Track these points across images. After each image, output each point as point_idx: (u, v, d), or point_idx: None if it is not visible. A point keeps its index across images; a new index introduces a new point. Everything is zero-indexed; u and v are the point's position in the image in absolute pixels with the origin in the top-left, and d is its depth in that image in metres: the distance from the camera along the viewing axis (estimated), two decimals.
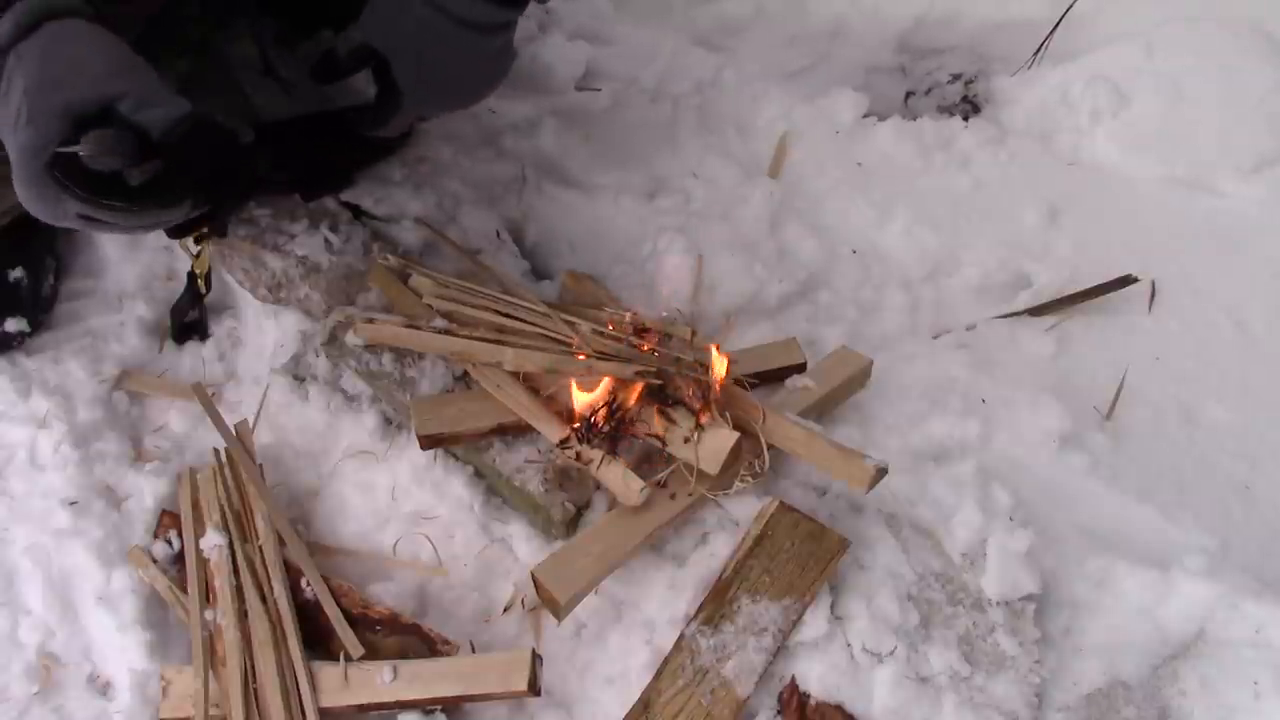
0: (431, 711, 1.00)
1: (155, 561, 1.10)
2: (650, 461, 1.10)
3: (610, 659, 1.05)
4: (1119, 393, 1.35)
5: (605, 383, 1.07)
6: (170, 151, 0.84)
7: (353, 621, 1.04)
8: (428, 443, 1.11)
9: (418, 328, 1.17)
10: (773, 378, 1.21)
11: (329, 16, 1.23)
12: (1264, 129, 1.65)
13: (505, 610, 1.10)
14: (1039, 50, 1.78)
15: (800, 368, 1.23)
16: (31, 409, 1.19)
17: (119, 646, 1.06)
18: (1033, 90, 1.73)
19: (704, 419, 1.05)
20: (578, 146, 1.56)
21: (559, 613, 0.99)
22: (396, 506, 1.16)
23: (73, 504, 1.12)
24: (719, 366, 1.09)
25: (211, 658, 1.02)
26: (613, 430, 1.07)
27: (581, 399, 1.07)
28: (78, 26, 0.84)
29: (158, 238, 1.34)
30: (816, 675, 1.00)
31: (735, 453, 1.04)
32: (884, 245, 1.52)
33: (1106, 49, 1.73)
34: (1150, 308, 1.49)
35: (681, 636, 1.01)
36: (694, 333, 1.14)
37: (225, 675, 1.01)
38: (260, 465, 1.15)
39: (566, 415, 1.11)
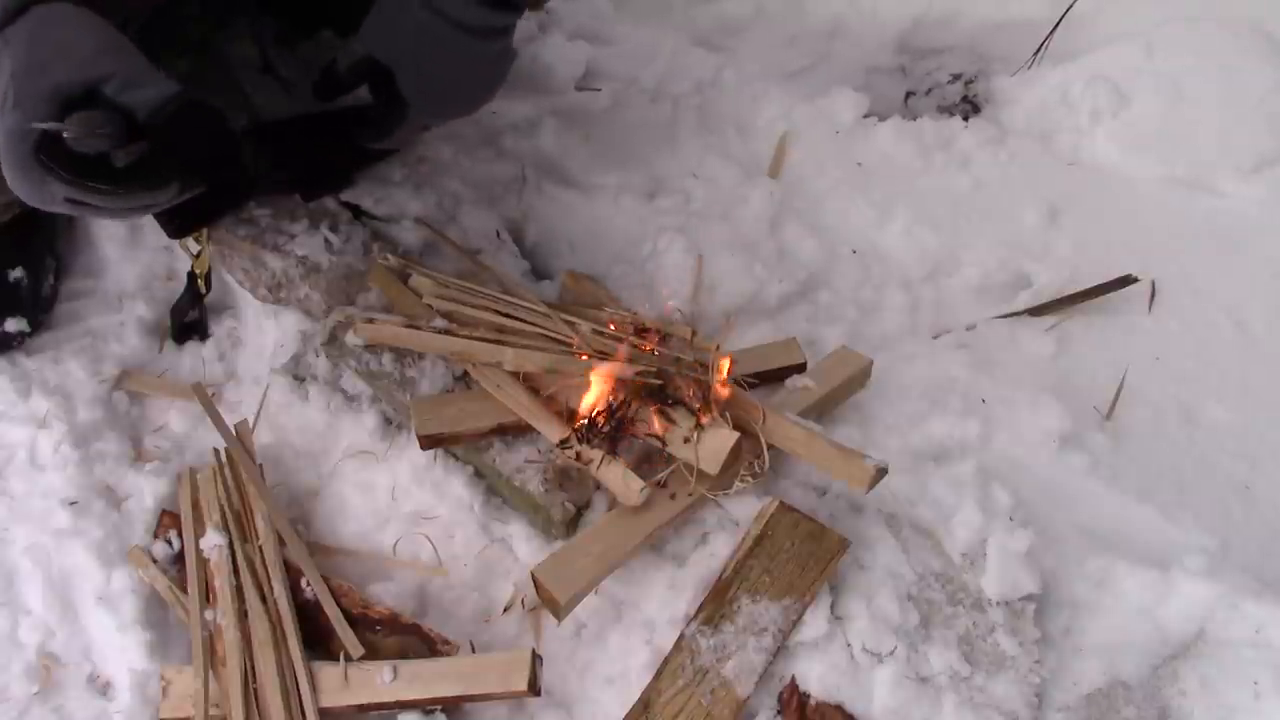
0: (431, 711, 1.00)
1: (155, 561, 1.10)
2: (650, 461, 1.10)
3: (610, 659, 1.05)
4: (1119, 393, 1.35)
5: (609, 369, 1.07)
6: (156, 133, 0.84)
7: (353, 621, 1.04)
8: (428, 443, 1.11)
9: (418, 328, 1.17)
10: (773, 378, 1.21)
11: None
12: (1264, 129, 1.65)
13: (505, 610, 1.10)
14: (1039, 50, 1.78)
15: (800, 368, 1.23)
16: (31, 409, 1.19)
17: (119, 646, 1.06)
18: (1033, 90, 1.73)
19: (704, 419, 1.05)
20: (578, 146, 1.56)
21: (559, 613, 0.99)
22: (396, 506, 1.16)
23: (73, 504, 1.12)
24: (720, 366, 1.09)
25: (211, 658, 1.02)
26: (613, 430, 1.07)
27: (590, 394, 1.07)
28: (64, 10, 0.84)
29: (158, 237, 1.34)
30: (816, 675, 1.00)
31: (735, 453, 1.04)
32: (884, 245, 1.52)
33: (1106, 49, 1.73)
34: (1150, 308, 1.49)
35: (681, 636, 1.01)
36: (694, 333, 1.14)
37: (225, 675, 1.01)
38: (260, 465, 1.15)
39: (566, 415, 1.11)
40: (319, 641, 1.05)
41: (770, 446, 1.09)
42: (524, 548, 1.12)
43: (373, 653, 1.03)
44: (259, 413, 1.21)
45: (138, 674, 1.04)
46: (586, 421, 1.08)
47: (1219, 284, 1.52)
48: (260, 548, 1.08)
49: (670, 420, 1.06)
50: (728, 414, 1.07)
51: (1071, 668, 1.07)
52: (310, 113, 1.20)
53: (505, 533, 1.13)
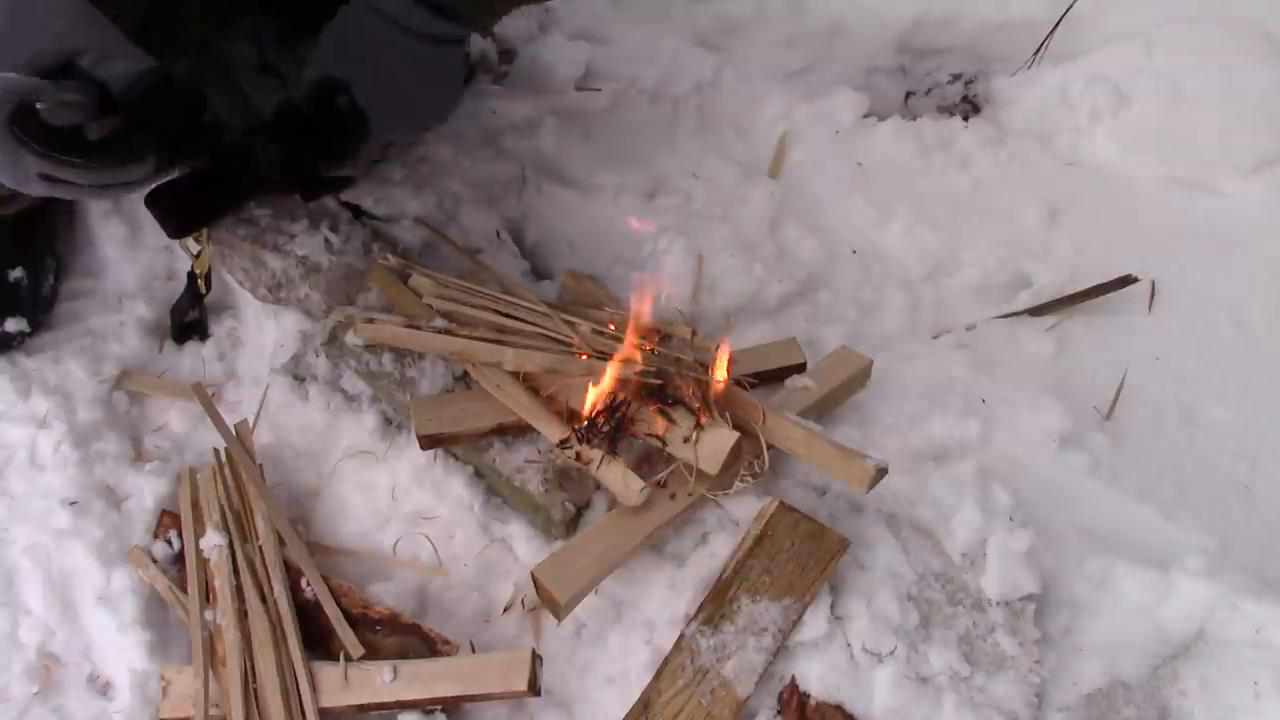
0: (431, 711, 1.00)
1: (155, 561, 1.10)
2: (650, 461, 1.10)
3: (610, 659, 1.05)
4: (1119, 393, 1.35)
5: (613, 369, 1.07)
6: (130, 107, 0.83)
7: (353, 621, 1.04)
8: (428, 443, 1.11)
9: (418, 328, 1.17)
10: (773, 378, 1.21)
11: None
12: (1264, 129, 1.65)
13: (505, 610, 1.10)
14: (1039, 50, 1.78)
15: (800, 368, 1.23)
16: (31, 409, 1.19)
17: (119, 646, 1.06)
18: (1033, 90, 1.73)
19: (704, 419, 1.05)
20: (578, 146, 1.56)
21: (559, 613, 0.99)
22: (396, 506, 1.16)
23: (73, 504, 1.12)
24: (721, 366, 1.09)
25: (211, 658, 1.02)
26: (613, 430, 1.07)
27: (600, 387, 1.07)
28: None
29: (158, 237, 1.34)
30: (816, 675, 1.00)
31: (735, 453, 1.04)
32: (884, 245, 1.52)
33: (1106, 49, 1.73)
34: (1150, 308, 1.49)
35: (681, 636, 1.01)
36: (694, 333, 1.14)
37: (225, 675, 1.01)
38: (260, 465, 1.15)
39: (566, 415, 1.11)
40: (319, 641, 1.05)
41: (770, 446, 1.09)
42: (524, 548, 1.12)
43: (373, 653, 1.02)
44: (259, 413, 1.21)
45: (138, 674, 1.04)
46: (586, 421, 1.08)
47: (1219, 284, 1.52)
48: (260, 548, 1.08)
49: (670, 420, 1.06)
50: (728, 414, 1.07)
51: (1071, 668, 1.07)
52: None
53: (505, 533, 1.13)
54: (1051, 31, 1.77)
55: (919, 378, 1.32)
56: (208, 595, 1.06)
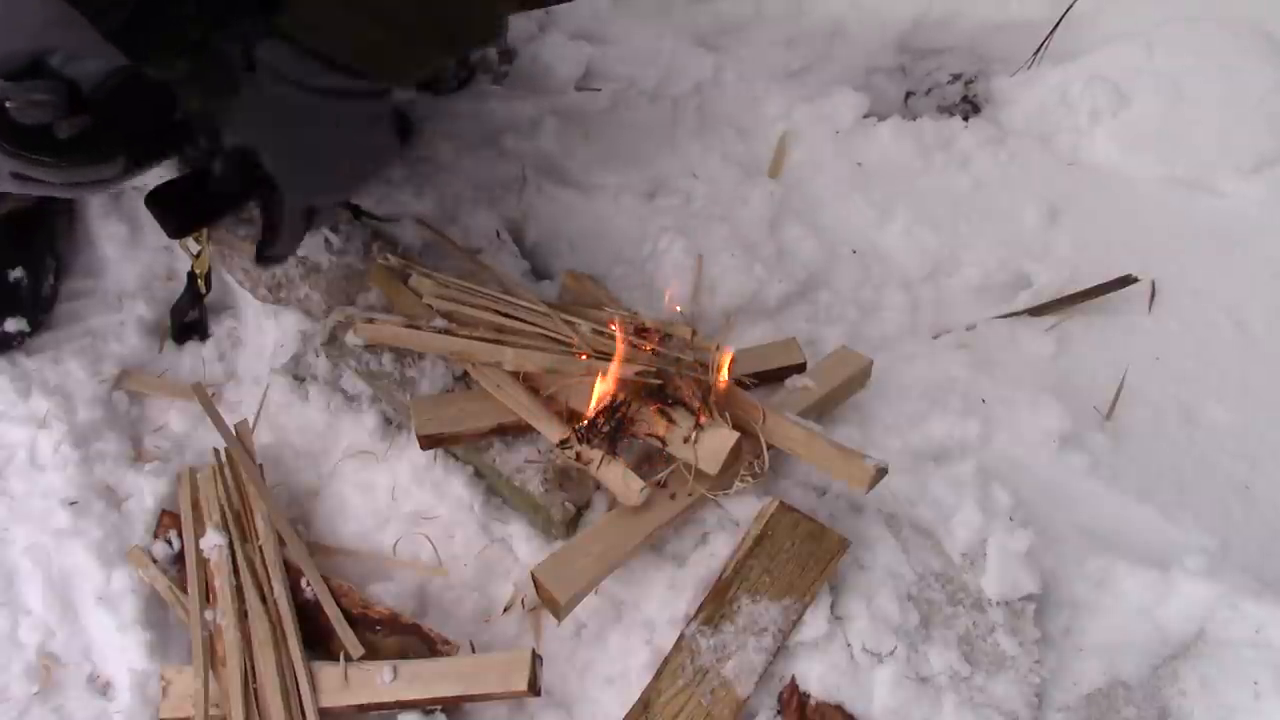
0: (431, 711, 1.00)
1: (155, 561, 1.10)
2: (650, 461, 1.10)
3: (610, 659, 1.05)
4: (1119, 393, 1.35)
5: (613, 368, 1.07)
6: (100, 105, 0.83)
7: (353, 621, 1.04)
8: (428, 443, 1.11)
9: (418, 328, 1.17)
10: (773, 378, 1.21)
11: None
12: (1264, 129, 1.65)
13: (505, 610, 1.10)
14: (1039, 50, 1.78)
15: (800, 368, 1.23)
16: (31, 409, 1.19)
17: (119, 646, 1.06)
18: (1032, 90, 1.73)
19: (704, 419, 1.05)
20: (578, 146, 1.56)
21: (559, 613, 0.99)
22: (396, 506, 1.16)
23: (73, 504, 1.12)
24: (722, 367, 1.09)
25: (211, 658, 1.02)
26: (613, 430, 1.07)
27: (599, 387, 1.07)
28: None
29: (158, 237, 1.34)
30: (816, 675, 1.00)
31: (735, 453, 1.04)
32: (884, 245, 1.52)
33: (1106, 49, 1.73)
34: (1150, 308, 1.49)
35: (681, 636, 1.01)
36: (694, 333, 1.14)
37: (225, 675, 1.01)
38: (260, 465, 1.15)
39: (566, 415, 1.11)
40: (319, 641, 1.05)
41: (770, 446, 1.09)
42: (524, 548, 1.12)
43: (373, 653, 1.02)
44: (259, 413, 1.21)
45: (138, 674, 1.04)
46: (587, 421, 1.08)
47: (1219, 284, 1.52)
48: (260, 548, 1.08)
49: (670, 420, 1.06)
50: (727, 414, 1.07)
51: (1071, 668, 1.07)
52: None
53: (505, 533, 1.13)
54: (1051, 31, 1.77)
55: (919, 378, 1.32)
56: (208, 595, 1.06)
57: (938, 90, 1.84)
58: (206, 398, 1.17)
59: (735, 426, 1.05)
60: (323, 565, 1.09)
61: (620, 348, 1.07)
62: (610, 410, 1.07)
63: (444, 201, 1.38)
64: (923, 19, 1.84)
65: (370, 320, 1.20)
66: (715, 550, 1.07)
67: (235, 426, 1.16)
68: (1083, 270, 1.48)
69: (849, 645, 1.02)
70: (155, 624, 1.07)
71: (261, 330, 1.30)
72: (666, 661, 1.00)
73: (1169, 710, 1.05)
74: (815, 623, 1.01)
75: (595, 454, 1.06)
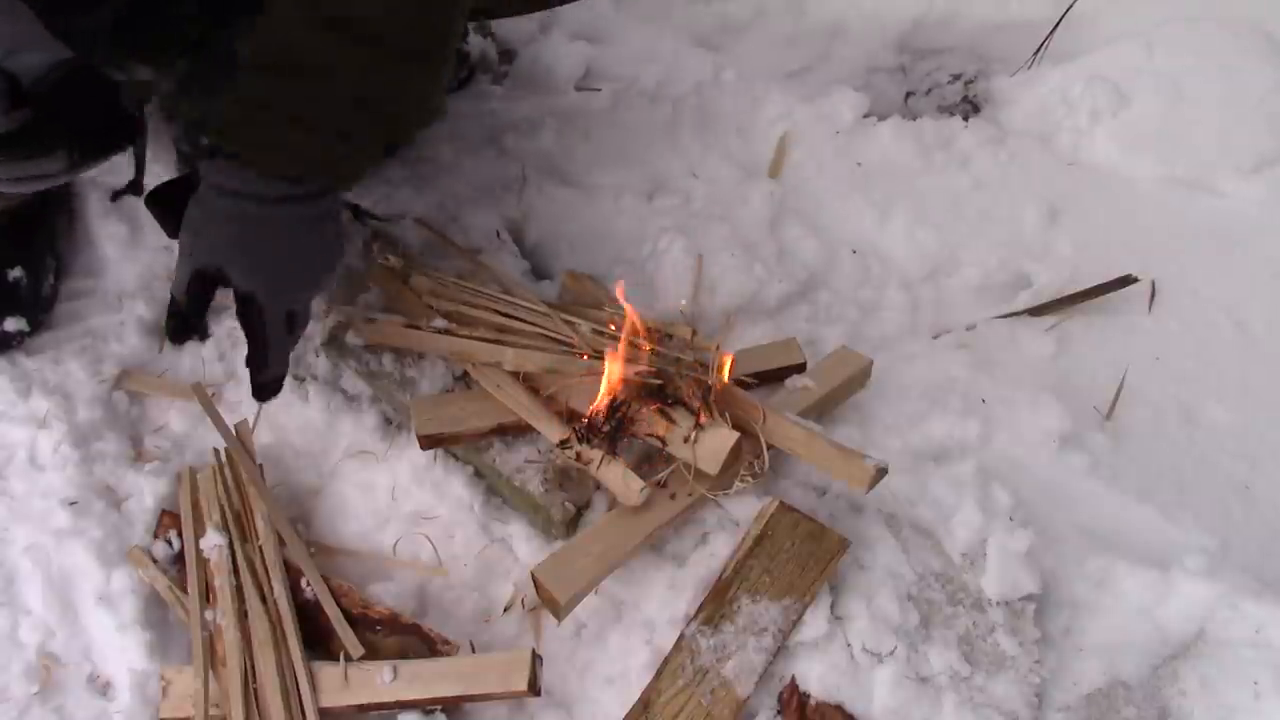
0: (431, 711, 1.00)
1: (155, 561, 1.10)
2: (650, 461, 1.10)
3: (610, 659, 1.05)
4: (1119, 393, 1.35)
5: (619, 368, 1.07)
6: (41, 100, 0.82)
7: (353, 621, 1.04)
8: (428, 443, 1.11)
9: (418, 328, 1.17)
10: (773, 378, 1.21)
11: None
12: (1264, 129, 1.65)
13: (505, 610, 1.10)
14: (1039, 50, 1.78)
15: (800, 368, 1.23)
16: (31, 409, 1.19)
17: (119, 646, 1.05)
18: (1033, 90, 1.73)
19: (704, 419, 1.05)
20: (578, 146, 1.56)
21: (559, 613, 0.99)
22: (396, 506, 1.16)
23: (73, 504, 1.12)
24: (722, 367, 1.09)
25: (211, 658, 1.02)
26: (613, 430, 1.07)
27: (605, 385, 1.07)
28: None
29: (158, 237, 1.34)
30: (816, 675, 1.00)
31: (735, 453, 1.04)
32: (884, 245, 1.52)
33: (1106, 49, 1.73)
34: (1150, 308, 1.49)
35: (681, 636, 1.01)
36: (694, 333, 1.14)
37: (225, 675, 1.00)
38: (260, 465, 1.15)
39: (566, 415, 1.11)
40: (319, 641, 1.05)
41: (770, 446, 1.09)
42: (524, 548, 1.12)
43: (373, 653, 1.02)
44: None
45: (138, 674, 1.04)
46: (586, 421, 1.08)
47: (1219, 284, 1.52)
48: (260, 548, 1.08)
49: (670, 420, 1.06)
50: (727, 414, 1.07)
51: (1071, 668, 1.07)
52: None
53: (505, 533, 1.13)
54: (1051, 31, 1.77)
55: (919, 378, 1.32)
56: (208, 595, 1.06)
57: (938, 90, 1.84)
58: (206, 398, 1.17)
59: (735, 426, 1.05)
60: (323, 565, 1.09)
61: (623, 344, 1.07)
62: (610, 410, 1.07)
63: (444, 201, 1.38)
64: (923, 19, 1.84)
65: (370, 320, 1.20)
66: (715, 550, 1.07)
67: (235, 426, 1.16)
68: (1083, 270, 1.48)
69: (849, 645, 1.02)
70: (155, 624, 1.07)
71: None
72: (666, 661, 1.00)
73: (1169, 710, 1.05)
74: (815, 623, 1.01)
75: (595, 454, 1.06)
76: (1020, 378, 1.35)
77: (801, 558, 1.03)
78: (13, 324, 1.23)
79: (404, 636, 1.04)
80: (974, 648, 1.05)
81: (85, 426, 1.19)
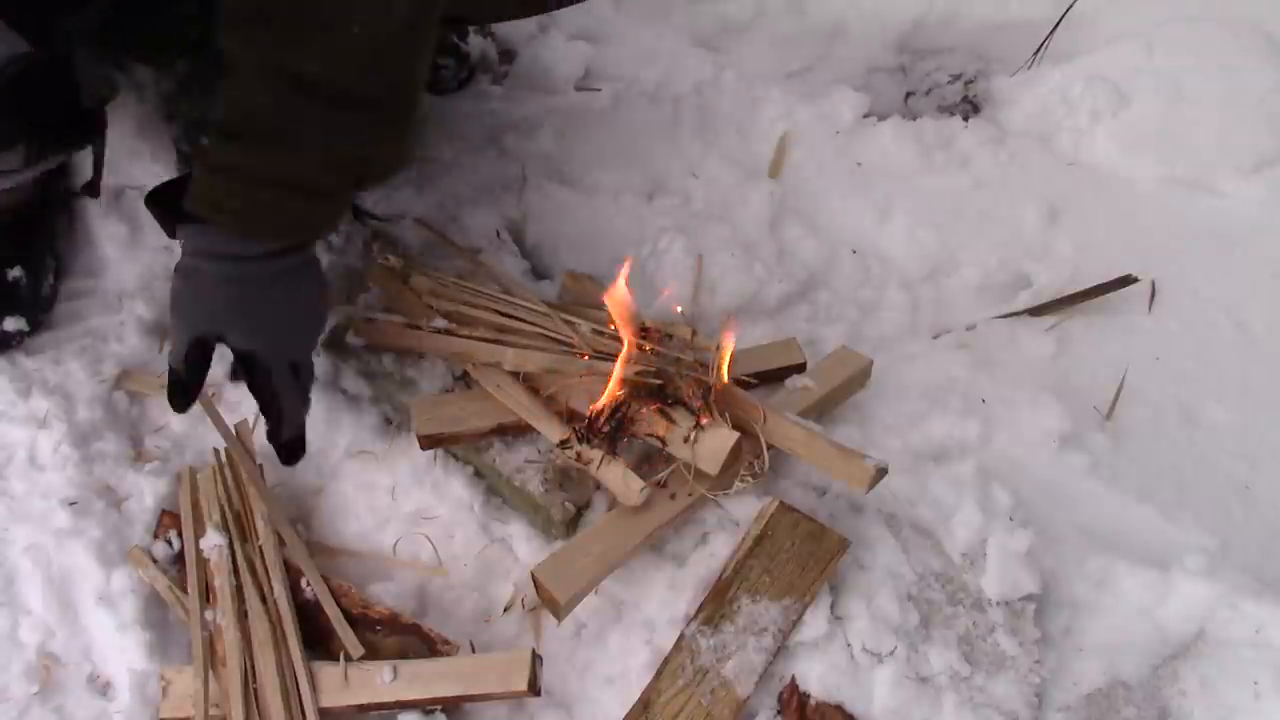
0: (431, 711, 1.00)
1: (155, 561, 1.10)
2: (650, 461, 1.10)
3: (610, 659, 1.05)
4: (1119, 393, 1.36)
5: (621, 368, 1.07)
6: None
7: (353, 621, 1.04)
8: (428, 443, 1.11)
9: (418, 328, 1.17)
10: (773, 378, 1.21)
11: None
12: (1264, 129, 1.65)
13: (505, 610, 1.10)
14: (1039, 50, 1.78)
15: (800, 368, 1.23)
16: (31, 409, 1.19)
17: (119, 646, 1.05)
18: (1033, 90, 1.73)
19: (704, 419, 1.05)
20: (578, 146, 1.56)
21: (559, 613, 0.99)
22: (396, 506, 1.16)
23: (73, 504, 1.12)
24: (723, 362, 1.09)
25: (211, 658, 1.02)
26: (613, 430, 1.07)
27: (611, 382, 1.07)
28: None
29: (158, 237, 1.34)
30: (816, 675, 1.00)
31: (735, 453, 1.04)
32: (884, 245, 1.52)
33: (1106, 49, 1.73)
34: (1150, 308, 1.49)
35: (681, 636, 1.01)
36: (694, 333, 1.14)
37: (225, 675, 1.00)
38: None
39: (566, 415, 1.11)
40: (319, 641, 1.05)
41: (770, 446, 1.09)
42: (524, 548, 1.12)
43: (373, 653, 1.02)
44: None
45: (138, 674, 1.04)
46: (587, 421, 1.08)
47: (1219, 284, 1.52)
48: (260, 548, 1.08)
49: (670, 420, 1.06)
50: (727, 414, 1.07)
51: (1071, 668, 1.07)
52: None
53: (505, 533, 1.14)
54: (1051, 31, 1.77)
55: (919, 378, 1.32)
56: (208, 595, 1.06)
57: (938, 90, 1.84)
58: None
59: (735, 426, 1.05)
60: (323, 565, 1.09)
61: (627, 344, 1.07)
62: (610, 410, 1.07)
63: (444, 201, 1.38)
64: (923, 19, 1.84)
65: (370, 320, 1.20)
66: (715, 550, 1.07)
67: (235, 426, 1.16)
68: (1083, 270, 1.48)
69: (849, 645, 1.02)
70: (155, 624, 1.07)
71: None
72: (666, 661, 1.00)
73: (1169, 710, 1.05)
74: (815, 623, 1.01)
75: (595, 454, 1.06)
76: (1020, 378, 1.35)
77: (801, 558, 1.03)
78: (13, 324, 1.23)
79: (404, 636, 1.04)
80: (974, 648, 1.05)
81: (85, 426, 1.19)
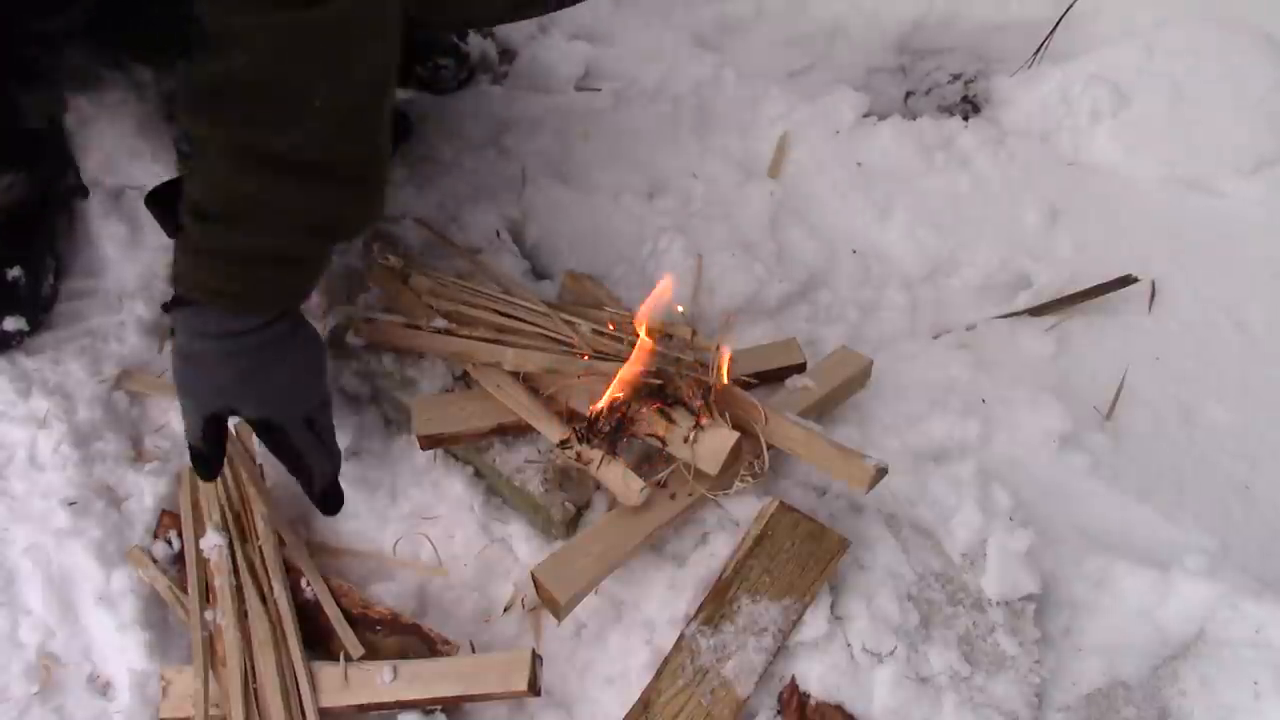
0: (431, 711, 1.00)
1: (155, 561, 1.10)
2: (650, 461, 1.10)
3: (610, 659, 1.05)
4: (1119, 393, 1.36)
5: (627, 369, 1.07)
6: None
7: (353, 621, 1.04)
8: (428, 443, 1.11)
9: (418, 328, 1.17)
10: (773, 378, 1.21)
11: None
12: (1264, 129, 1.65)
13: (505, 610, 1.10)
14: (1039, 50, 1.78)
15: (800, 368, 1.23)
16: (31, 409, 1.19)
17: (119, 646, 1.05)
18: (1033, 90, 1.73)
19: (704, 419, 1.05)
20: (578, 146, 1.56)
21: (559, 613, 0.99)
22: (396, 506, 1.16)
23: (73, 504, 1.12)
24: (722, 366, 1.09)
25: (211, 658, 1.02)
26: (613, 430, 1.07)
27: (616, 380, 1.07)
28: None
29: (158, 237, 1.34)
30: (816, 675, 1.00)
31: (735, 453, 1.04)
32: (884, 245, 1.52)
33: (1106, 49, 1.73)
34: (1150, 308, 1.49)
35: (681, 636, 1.01)
36: (694, 333, 1.14)
37: (225, 675, 1.01)
38: (260, 465, 1.15)
39: (566, 415, 1.11)
40: (319, 641, 1.05)
41: (770, 446, 1.09)
42: (524, 548, 1.12)
43: (373, 653, 1.03)
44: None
45: (138, 674, 1.04)
46: (586, 421, 1.08)
47: (1219, 284, 1.52)
48: (260, 548, 1.08)
49: (670, 420, 1.06)
50: (727, 414, 1.07)
51: (1071, 668, 1.07)
52: None
53: (505, 533, 1.14)
54: (1051, 31, 1.77)
55: (919, 378, 1.32)
56: (208, 595, 1.06)
57: (938, 90, 1.84)
58: None
59: (735, 426, 1.05)
60: (323, 565, 1.09)
61: (639, 346, 1.07)
62: (610, 410, 1.07)
63: (444, 201, 1.38)
64: (923, 19, 1.84)
65: (370, 320, 1.20)
66: (715, 550, 1.07)
67: (235, 427, 1.16)
68: (1083, 270, 1.48)
69: (849, 645, 1.02)
70: (155, 624, 1.07)
71: None
72: (666, 661, 1.00)
73: (1169, 710, 1.05)
74: (815, 623, 1.01)
75: (595, 454, 1.06)
76: (1020, 378, 1.35)
77: (801, 558, 1.03)
78: (12, 324, 1.23)
79: (404, 636, 1.04)
80: (974, 648, 1.05)
81: (85, 426, 1.19)
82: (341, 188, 0.93)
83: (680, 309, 1.27)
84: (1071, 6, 1.76)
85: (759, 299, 1.37)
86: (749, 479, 1.07)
